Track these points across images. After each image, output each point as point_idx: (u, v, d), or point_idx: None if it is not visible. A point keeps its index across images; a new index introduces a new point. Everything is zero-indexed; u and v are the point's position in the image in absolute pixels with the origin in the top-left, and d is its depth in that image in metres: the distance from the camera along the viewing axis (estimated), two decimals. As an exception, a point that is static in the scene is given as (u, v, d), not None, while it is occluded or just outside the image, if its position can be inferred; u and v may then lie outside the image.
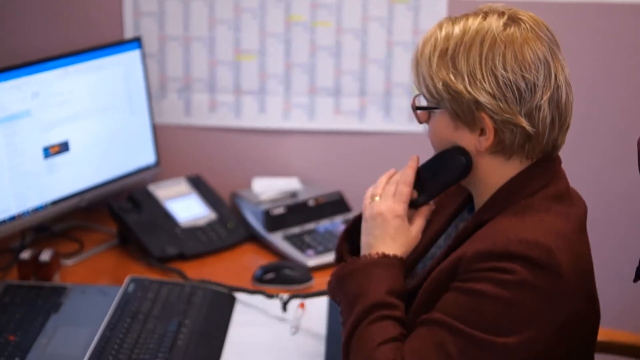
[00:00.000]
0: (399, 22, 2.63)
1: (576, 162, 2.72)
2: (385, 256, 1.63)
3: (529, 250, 1.48)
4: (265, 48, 2.66)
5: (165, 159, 2.69)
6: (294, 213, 2.53)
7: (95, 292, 2.18)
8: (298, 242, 2.43)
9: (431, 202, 1.70)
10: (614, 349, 2.16)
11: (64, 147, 2.39)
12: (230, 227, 2.53)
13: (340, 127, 2.71)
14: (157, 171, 2.66)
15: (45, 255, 2.24)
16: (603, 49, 2.66)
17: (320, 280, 2.28)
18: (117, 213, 2.47)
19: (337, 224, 2.54)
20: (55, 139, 2.36)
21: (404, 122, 2.69)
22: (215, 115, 2.71)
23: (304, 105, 2.70)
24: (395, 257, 1.63)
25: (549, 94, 1.56)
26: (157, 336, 1.94)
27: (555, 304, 1.50)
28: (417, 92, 1.65)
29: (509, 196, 1.59)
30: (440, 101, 1.59)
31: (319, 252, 2.38)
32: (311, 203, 2.57)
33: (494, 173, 1.60)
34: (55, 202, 2.39)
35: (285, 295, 2.12)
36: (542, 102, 1.55)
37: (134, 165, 2.60)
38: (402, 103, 2.67)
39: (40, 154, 2.33)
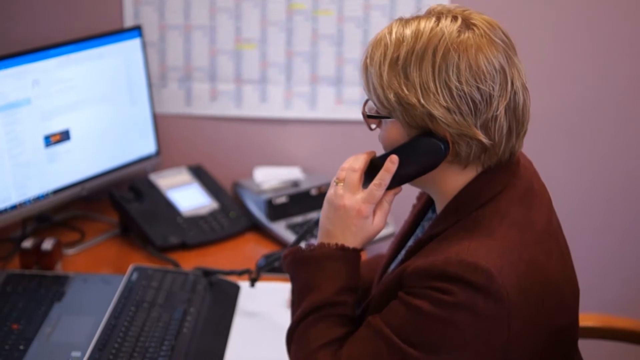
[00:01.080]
0: (401, 10, 2.61)
1: (577, 150, 2.73)
2: (343, 249, 1.58)
3: (467, 273, 1.43)
4: (266, 37, 2.65)
5: (165, 148, 2.68)
6: (297, 202, 2.52)
7: (97, 281, 2.17)
8: (300, 231, 2.42)
9: (398, 187, 1.60)
10: (612, 335, 2.15)
11: (65, 136, 2.37)
12: (233, 217, 2.51)
13: (341, 117, 2.70)
14: (157, 161, 2.64)
15: (48, 244, 2.22)
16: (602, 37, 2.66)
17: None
18: (119, 202, 2.45)
19: (339, 213, 2.52)
20: (56, 127, 2.34)
21: (406, 111, 2.67)
22: (216, 104, 2.69)
23: (305, 94, 2.68)
24: (354, 250, 1.59)
25: (505, 102, 1.49)
26: (162, 324, 1.93)
27: (493, 327, 1.45)
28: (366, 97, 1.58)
29: (462, 207, 1.54)
30: (392, 111, 1.52)
31: (322, 241, 2.37)
32: (313, 192, 2.56)
33: (449, 182, 1.56)
34: (56, 191, 2.37)
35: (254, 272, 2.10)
36: (498, 112, 1.49)
37: (135, 154, 2.58)
38: (404, 92, 2.66)
39: (41, 142, 2.31)
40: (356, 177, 1.60)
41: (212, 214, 2.51)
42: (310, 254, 1.60)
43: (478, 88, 1.47)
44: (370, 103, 1.58)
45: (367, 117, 1.58)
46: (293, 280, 1.64)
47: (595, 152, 2.74)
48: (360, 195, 1.58)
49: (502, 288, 1.44)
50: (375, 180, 1.57)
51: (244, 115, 2.70)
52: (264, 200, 2.49)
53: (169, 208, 2.49)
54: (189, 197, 2.54)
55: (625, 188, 2.77)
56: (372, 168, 1.60)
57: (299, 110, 2.69)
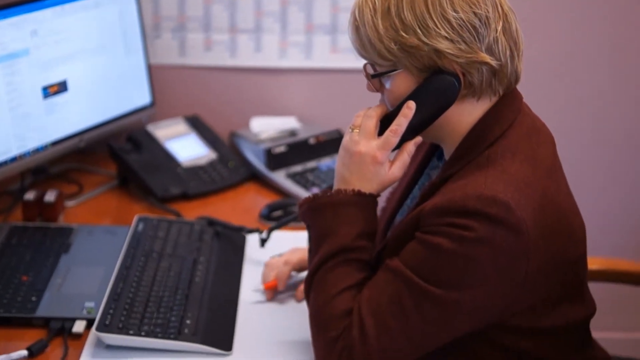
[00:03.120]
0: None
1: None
2: (360, 194, 1.59)
3: (486, 206, 1.45)
4: (260, -15, 2.63)
5: (161, 99, 2.66)
6: (295, 151, 2.52)
7: (102, 232, 2.16)
8: (302, 180, 2.43)
9: (418, 137, 1.62)
10: (614, 277, 2.18)
11: (62, 87, 2.34)
12: (231, 167, 2.51)
13: (337, 65, 2.69)
14: (152, 111, 2.62)
15: (50, 196, 2.21)
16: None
17: (327, 217, 2.27)
18: (118, 153, 2.44)
19: (338, 161, 2.53)
20: (54, 78, 2.32)
21: (402, 60, 2.67)
22: (210, 54, 2.68)
23: (300, 43, 2.67)
24: (370, 195, 1.59)
25: (501, 24, 1.52)
26: (173, 274, 1.93)
27: (513, 260, 1.48)
28: (363, 61, 1.58)
29: (473, 147, 1.55)
30: (397, 62, 1.53)
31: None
32: (312, 141, 2.56)
33: (464, 119, 1.57)
34: (55, 143, 2.35)
35: (264, 232, 2.09)
36: (498, 33, 1.52)
37: (130, 106, 2.56)
38: (400, 40, 2.65)
39: (40, 93, 2.29)
40: (372, 123, 1.60)
41: (211, 164, 2.50)
42: (326, 201, 1.61)
43: (475, 13, 1.50)
44: (368, 66, 1.59)
45: (373, 77, 1.58)
46: (310, 228, 1.64)
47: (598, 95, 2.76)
48: (376, 141, 1.58)
49: (521, 221, 1.46)
50: (392, 126, 1.57)
51: (238, 65, 2.69)
52: (263, 150, 2.49)
53: (168, 159, 2.48)
54: (187, 148, 2.53)
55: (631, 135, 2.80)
56: (388, 118, 1.60)
57: (295, 59, 2.68)
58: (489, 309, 1.52)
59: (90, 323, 1.78)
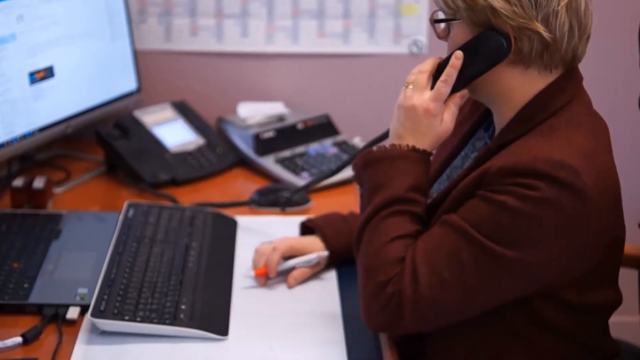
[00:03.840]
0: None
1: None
2: (414, 150, 1.61)
3: (555, 169, 1.48)
4: (246, -30, 2.62)
5: (147, 85, 2.64)
6: (284, 136, 2.51)
7: (92, 219, 2.15)
8: (291, 165, 2.42)
9: (464, 90, 1.63)
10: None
11: (49, 73, 2.32)
12: (220, 152, 2.50)
13: (324, 50, 2.68)
14: (138, 97, 2.61)
15: (39, 182, 2.19)
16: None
17: (318, 202, 2.28)
18: (106, 139, 2.42)
19: (327, 146, 2.53)
20: (40, 64, 2.30)
21: (389, 44, 2.67)
22: (196, 40, 2.66)
23: (287, 28, 2.66)
24: (424, 151, 1.62)
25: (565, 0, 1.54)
26: (166, 259, 1.92)
27: (577, 225, 1.50)
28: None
29: (534, 115, 1.57)
30: (457, 11, 1.57)
31: (313, 175, 2.37)
32: (300, 126, 2.55)
33: (515, 86, 1.58)
34: (42, 129, 2.33)
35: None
36: (559, 7, 1.53)
37: (117, 91, 2.55)
38: (387, 25, 2.65)
39: (27, 79, 2.27)
40: (424, 77, 1.62)
41: (199, 150, 2.49)
42: (381, 154, 1.63)
43: None
44: (437, 14, 1.62)
45: (435, 21, 1.62)
46: (364, 183, 1.65)
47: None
48: (428, 94, 1.61)
49: (587, 187, 1.48)
50: (442, 77, 1.60)
51: (225, 50, 2.67)
52: (251, 135, 2.48)
53: (156, 144, 2.46)
54: (174, 133, 2.52)
55: None
56: (439, 71, 1.63)
57: (281, 44, 2.67)
58: (543, 273, 1.53)
59: (84, 309, 1.77)
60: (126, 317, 1.71)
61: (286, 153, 2.48)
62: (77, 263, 1.94)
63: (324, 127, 2.58)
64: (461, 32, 1.59)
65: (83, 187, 2.39)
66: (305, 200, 2.26)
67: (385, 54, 2.68)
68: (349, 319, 1.79)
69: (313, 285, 1.92)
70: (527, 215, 1.49)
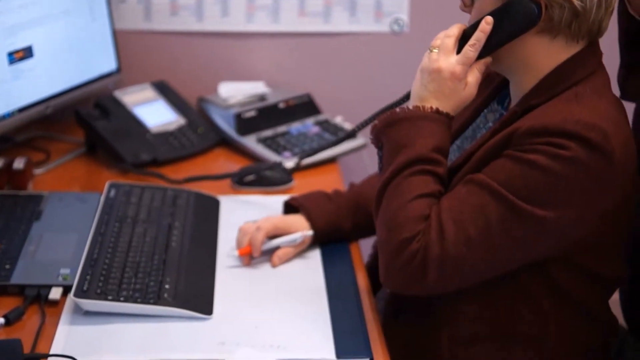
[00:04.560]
0: None
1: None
2: (438, 112, 1.61)
3: (585, 130, 1.48)
4: (226, -52, 2.60)
5: (127, 65, 2.62)
6: (265, 116, 2.50)
7: (73, 199, 2.13)
8: (273, 144, 2.41)
9: (488, 57, 1.63)
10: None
11: (28, 53, 2.30)
12: (201, 132, 2.49)
13: (305, 29, 2.67)
14: (118, 78, 2.59)
15: (19, 163, 2.17)
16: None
17: (301, 182, 2.27)
18: (86, 120, 2.40)
19: (309, 125, 2.52)
20: (19, 43, 2.27)
21: (370, 23, 2.66)
22: (176, 19, 2.64)
23: (267, 7, 2.64)
24: (447, 114, 1.61)
25: None
26: (149, 239, 1.90)
27: (603, 187, 1.51)
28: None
29: (558, 82, 1.57)
30: None
31: (295, 154, 2.36)
32: (281, 105, 2.54)
33: (539, 55, 1.59)
34: (21, 110, 2.30)
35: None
36: None
37: (96, 72, 2.52)
38: (368, 3, 2.63)
39: (5, 59, 2.24)
40: (451, 41, 1.62)
41: (180, 130, 2.47)
42: (404, 115, 1.62)
43: None
44: None
45: None
46: (385, 144, 1.64)
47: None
48: (455, 57, 1.61)
49: (615, 150, 1.50)
50: (471, 41, 1.60)
51: (205, 29, 2.65)
52: (232, 115, 2.47)
53: (137, 125, 2.45)
54: (155, 114, 2.50)
55: None
56: (464, 37, 1.62)
57: (262, 23, 2.65)
58: (568, 234, 1.54)
59: (66, 290, 1.76)
60: (109, 297, 1.70)
61: (268, 132, 2.46)
62: (58, 244, 1.93)
63: (305, 106, 2.57)
64: (488, 1, 1.59)
65: (63, 168, 2.37)
66: (288, 179, 2.25)
67: (366, 32, 2.67)
68: (333, 297, 1.79)
69: (297, 264, 1.92)
70: (557, 174, 1.49)
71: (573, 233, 1.54)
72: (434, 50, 1.62)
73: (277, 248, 1.91)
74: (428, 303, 1.68)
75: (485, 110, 1.77)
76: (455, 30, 1.63)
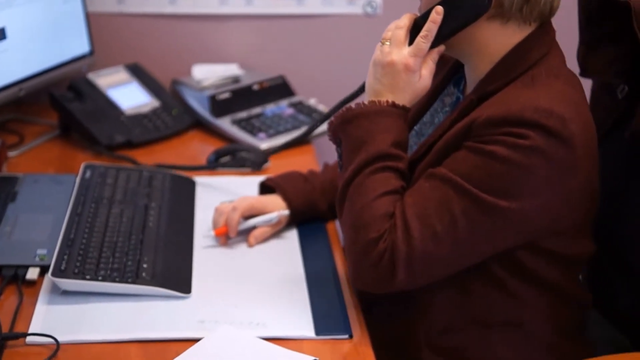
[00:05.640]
0: None
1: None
2: (394, 105, 1.60)
3: (544, 118, 1.48)
4: None
5: (100, 47, 2.61)
6: (240, 98, 2.50)
7: (48, 181, 2.12)
8: (247, 126, 2.41)
9: (441, 46, 1.62)
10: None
11: (1, 35, 2.28)
12: (175, 114, 2.48)
13: (278, 11, 2.66)
14: (92, 60, 2.58)
15: (-8, 145, 2.16)
16: None
17: (276, 163, 2.27)
18: (60, 102, 2.39)
19: (283, 107, 2.52)
20: (-9, 25, 2.26)
21: (343, 5, 2.66)
22: (149, 1, 2.63)
23: (240, -12, 2.64)
24: (404, 107, 1.61)
25: None
26: (126, 219, 1.90)
27: (565, 173, 1.51)
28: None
29: (513, 66, 1.57)
30: None
31: (270, 135, 2.37)
32: (255, 87, 2.54)
33: (492, 40, 1.58)
34: (-6, 92, 2.29)
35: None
36: None
37: (70, 54, 2.51)
38: (341, -15, 2.65)
39: (-22, 41, 2.23)
40: (402, 33, 1.61)
41: (155, 112, 2.47)
42: (361, 111, 1.60)
43: None
44: None
45: None
46: (343, 141, 1.63)
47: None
48: (407, 49, 1.60)
49: (574, 135, 1.50)
50: (422, 32, 1.59)
51: (178, 12, 2.65)
52: (206, 97, 2.47)
53: (111, 107, 2.44)
54: (129, 96, 2.49)
55: None
56: (416, 27, 1.61)
57: (235, 5, 2.65)
58: (533, 223, 1.54)
59: (43, 270, 1.76)
60: (87, 276, 1.70)
61: (242, 114, 2.47)
62: (34, 225, 1.92)
63: (279, 88, 2.57)
64: None
65: (37, 151, 2.37)
66: (264, 160, 2.26)
67: (339, 14, 2.67)
68: (311, 276, 1.80)
69: (275, 243, 1.92)
70: (517, 164, 1.49)
71: (537, 221, 1.54)
72: (386, 42, 1.61)
73: (253, 228, 1.92)
74: (401, 296, 1.66)
75: (441, 95, 1.76)
76: (405, 21, 1.62)
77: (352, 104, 1.63)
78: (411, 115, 1.73)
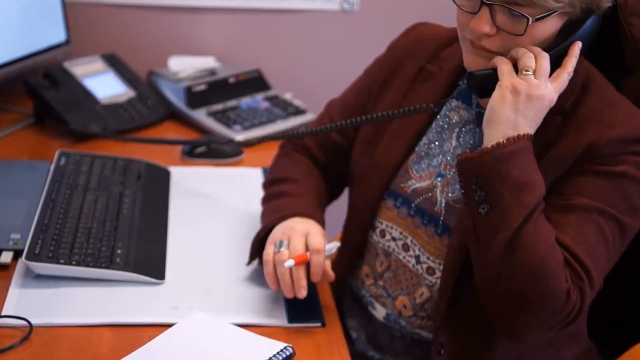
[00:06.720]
0: None
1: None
2: (530, 138, 1.49)
3: None
4: None
5: (76, 37, 2.60)
6: (215, 90, 2.51)
7: (23, 167, 2.12)
8: (223, 118, 2.42)
9: None
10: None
11: (-24, 22, 2.28)
12: (151, 105, 2.48)
13: (256, 5, 2.67)
14: (68, 49, 2.57)
15: (-33, 131, 2.15)
16: None
17: (250, 155, 2.28)
18: (35, 89, 2.38)
19: (258, 100, 2.53)
20: (-32, 11, 2.26)
21: (320, 1, 2.67)
22: (126, -8, 2.63)
23: (218, -18, 2.65)
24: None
25: None
26: (100, 206, 1.90)
27: None
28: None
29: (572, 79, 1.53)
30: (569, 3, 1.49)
31: (246, 128, 2.38)
32: (231, 80, 2.55)
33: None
34: (-31, 80, 2.29)
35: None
36: None
37: (45, 42, 2.51)
38: (319, -19, 2.66)
39: (-46, 27, 2.23)
40: (548, 64, 1.50)
41: (130, 102, 2.47)
42: (515, 148, 1.46)
43: None
44: (513, 13, 1.47)
45: (537, 19, 1.47)
46: (496, 180, 1.46)
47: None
48: (552, 84, 1.50)
49: None
50: (568, 68, 1.51)
51: (156, 3, 2.65)
52: (182, 88, 2.47)
53: (87, 96, 2.44)
54: (105, 85, 2.49)
55: None
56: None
57: (213, -2, 2.66)
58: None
59: (17, 254, 1.76)
60: (61, 261, 1.70)
61: (218, 106, 2.47)
62: (8, 210, 1.92)
63: (255, 82, 2.58)
64: (553, 23, 1.50)
65: (11, 139, 2.36)
66: (239, 152, 2.27)
67: (316, 10, 2.69)
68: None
69: (249, 232, 1.91)
70: None
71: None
72: (529, 72, 1.48)
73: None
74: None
75: (444, 110, 1.69)
76: (545, 53, 1.50)
77: (501, 140, 1.47)
78: (412, 132, 1.70)
